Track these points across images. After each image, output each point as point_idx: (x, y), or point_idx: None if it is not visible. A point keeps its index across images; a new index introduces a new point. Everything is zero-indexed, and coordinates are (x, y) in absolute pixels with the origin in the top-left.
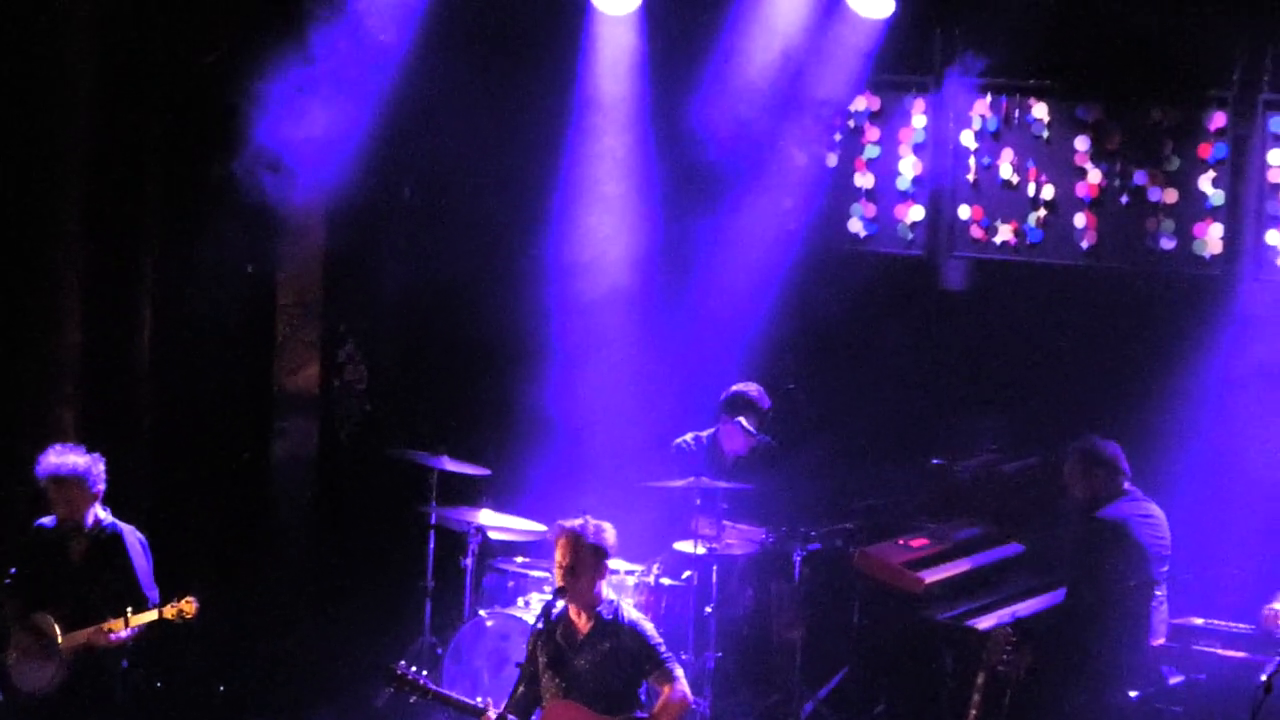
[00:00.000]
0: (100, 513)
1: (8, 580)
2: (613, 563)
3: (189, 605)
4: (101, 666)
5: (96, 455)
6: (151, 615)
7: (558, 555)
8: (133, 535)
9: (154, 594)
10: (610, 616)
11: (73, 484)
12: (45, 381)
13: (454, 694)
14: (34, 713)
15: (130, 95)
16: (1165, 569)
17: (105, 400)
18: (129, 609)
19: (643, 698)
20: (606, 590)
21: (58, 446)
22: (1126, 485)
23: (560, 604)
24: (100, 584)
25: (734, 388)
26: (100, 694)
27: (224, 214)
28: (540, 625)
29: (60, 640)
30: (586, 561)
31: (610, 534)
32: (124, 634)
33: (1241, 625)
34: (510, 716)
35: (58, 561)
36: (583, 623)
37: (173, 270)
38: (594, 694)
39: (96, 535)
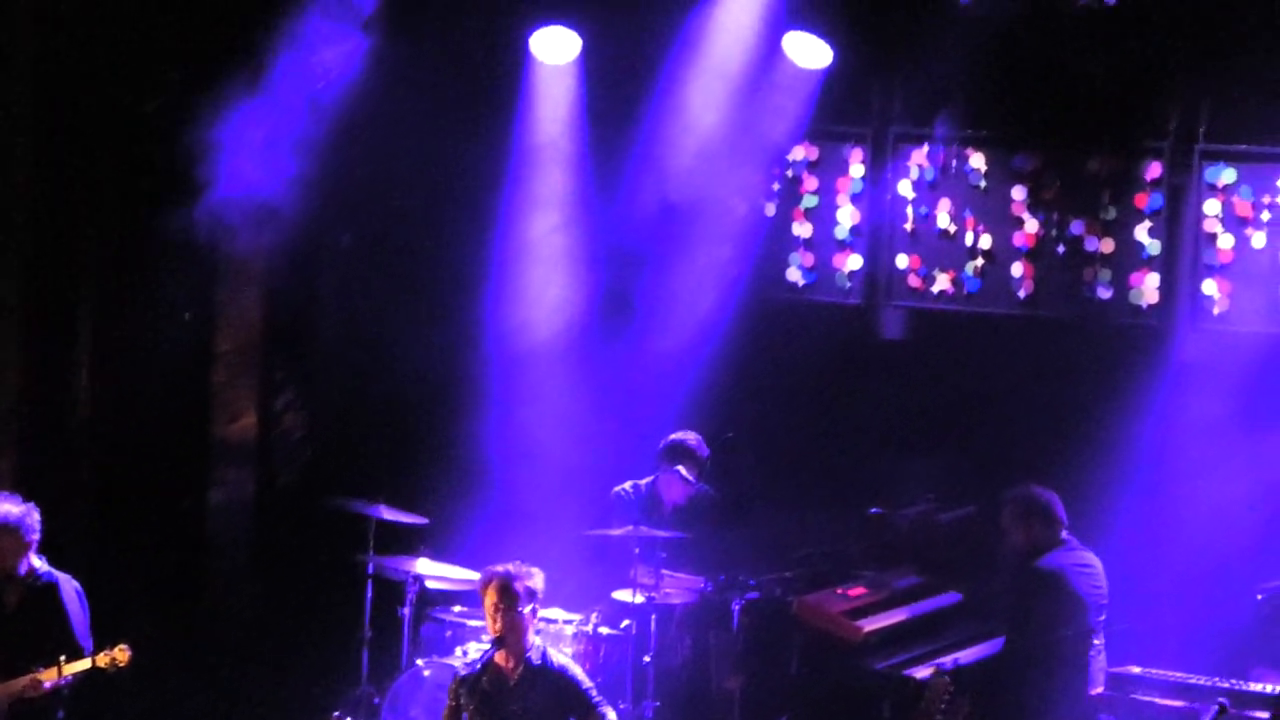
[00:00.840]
0: (35, 562)
1: None
2: (552, 611)
3: (122, 654)
4: (37, 717)
5: (31, 505)
6: (85, 664)
7: (488, 600)
8: (69, 584)
9: (89, 643)
10: (539, 662)
11: (6, 533)
12: None
13: None
14: None
15: (69, 142)
16: (1103, 618)
17: (43, 448)
18: (62, 658)
19: None
20: (533, 636)
21: None
22: (1064, 534)
23: (475, 651)
24: (34, 634)
25: (672, 436)
26: None
27: (163, 261)
28: (463, 673)
29: None
30: (516, 605)
31: (539, 579)
32: (58, 683)
33: (1179, 674)
34: None
35: None
36: (511, 668)
37: (111, 318)
38: None
39: (31, 584)
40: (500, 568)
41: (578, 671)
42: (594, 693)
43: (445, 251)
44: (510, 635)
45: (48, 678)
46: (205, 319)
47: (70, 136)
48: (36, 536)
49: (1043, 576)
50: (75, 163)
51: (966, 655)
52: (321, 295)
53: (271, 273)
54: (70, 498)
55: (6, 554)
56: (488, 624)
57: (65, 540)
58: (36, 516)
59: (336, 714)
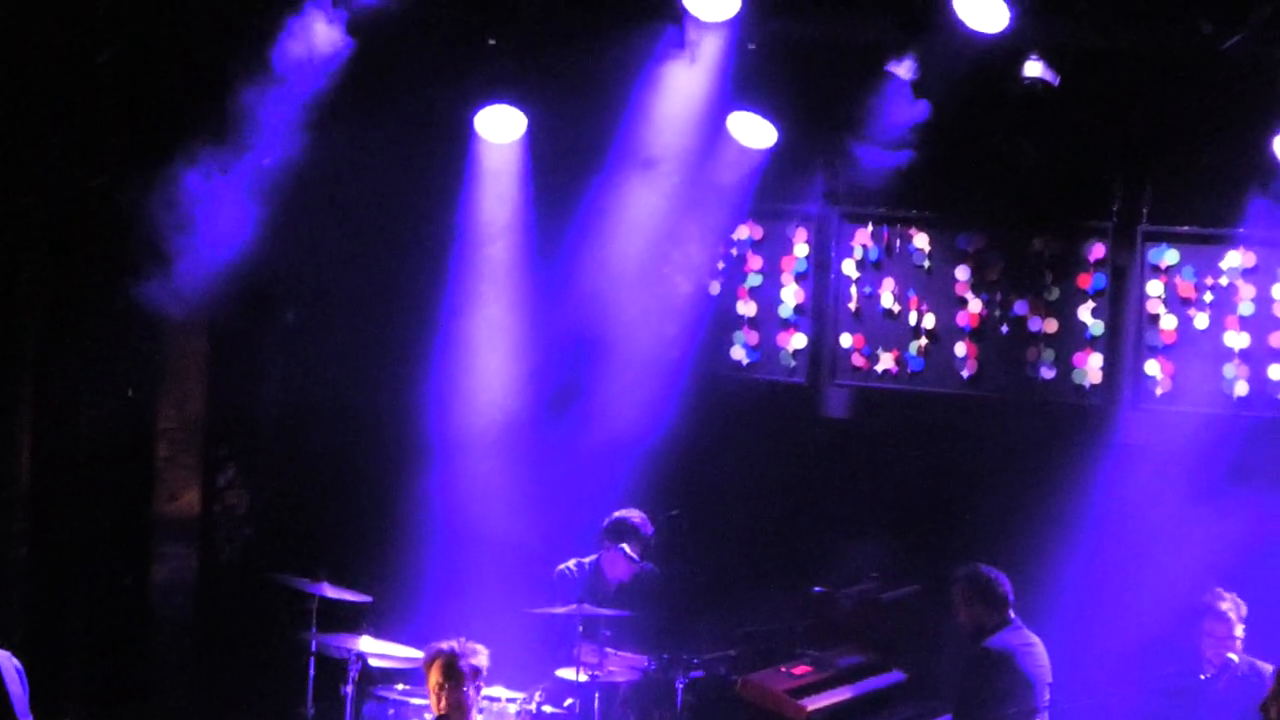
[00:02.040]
0: None
1: None
2: (495, 690)
3: None
4: None
5: None
6: None
7: (433, 678)
8: (9, 661)
9: None
10: None
11: None
12: None
13: None
14: None
15: (10, 216)
16: (1047, 697)
17: None
18: None
19: None
20: (476, 715)
21: None
22: (1010, 614)
23: None
24: None
25: (616, 514)
26: None
27: (105, 335)
28: None
29: None
30: (460, 682)
31: (484, 656)
32: None
33: None
34: None
35: None
36: None
37: (52, 392)
38: None
39: None
40: (445, 645)
41: None
42: None
43: (390, 325)
44: (455, 714)
45: None
46: (148, 395)
47: (11, 211)
48: None
49: (990, 656)
50: (15, 236)
51: None
52: (265, 372)
53: (215, 348)
54: (8, 575)
55: None
56: (430, 702)
57: (2, 617)
58: None
59: None
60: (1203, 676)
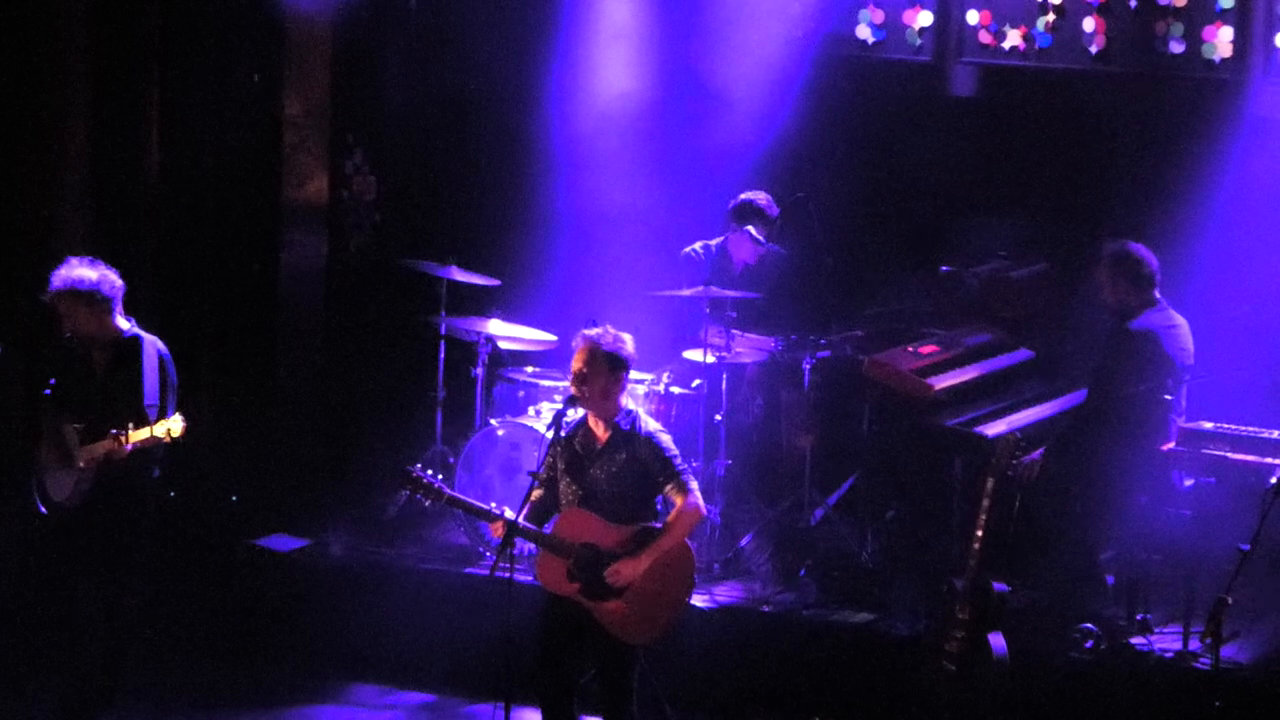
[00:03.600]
0: (122, 323)
1: (47, 391)
2: None
3: (176, 424)
4: (131, 476)
5: (107, 268)
6: (145, 433)
7: (574, 363)
8: (152, 346)
9: (168, 408)
10: (628, 427)
11: (82, 298)
12: (55, 195)
13: (467, 498)
14: (68, 522)
15: None
16: (1186, 377)
17: (114, 215)
18: (129, 425)
19: (659, 507)
20: (627, 401)
21: (71, 260)
22: (1155, 294)
23: (574, 413)
24: (120, 394)
25: (742, 196)
26: (132, 503)
27: (229, 24)
28: (561, 434)
29: (78, 452)
30: (601, 371)
31: (629, 345)
32: (137, 445)
33: (1251, 429)
34: (523, 521)
35: (82, 372)
36: (601, 432)
37: (179, 81)
38: (609, 503)
39: (116, 345)
40: (591, 332)
41: (666, 439)
42: (678, 460)
43: (513, 13)
44: (599, 400)
45: (131, 439)
46: (273, 82)
47: None
48: (117, 298)
49: (1136, 337)
50: None
51: (1037, 413)
52: (389, 57)
53: (339, 34)
54: (141, 264)
55: (87, 318)
56: (574, 387)
57: (135, 306)
58: (114, 279)
59: (414, 467)
60: None
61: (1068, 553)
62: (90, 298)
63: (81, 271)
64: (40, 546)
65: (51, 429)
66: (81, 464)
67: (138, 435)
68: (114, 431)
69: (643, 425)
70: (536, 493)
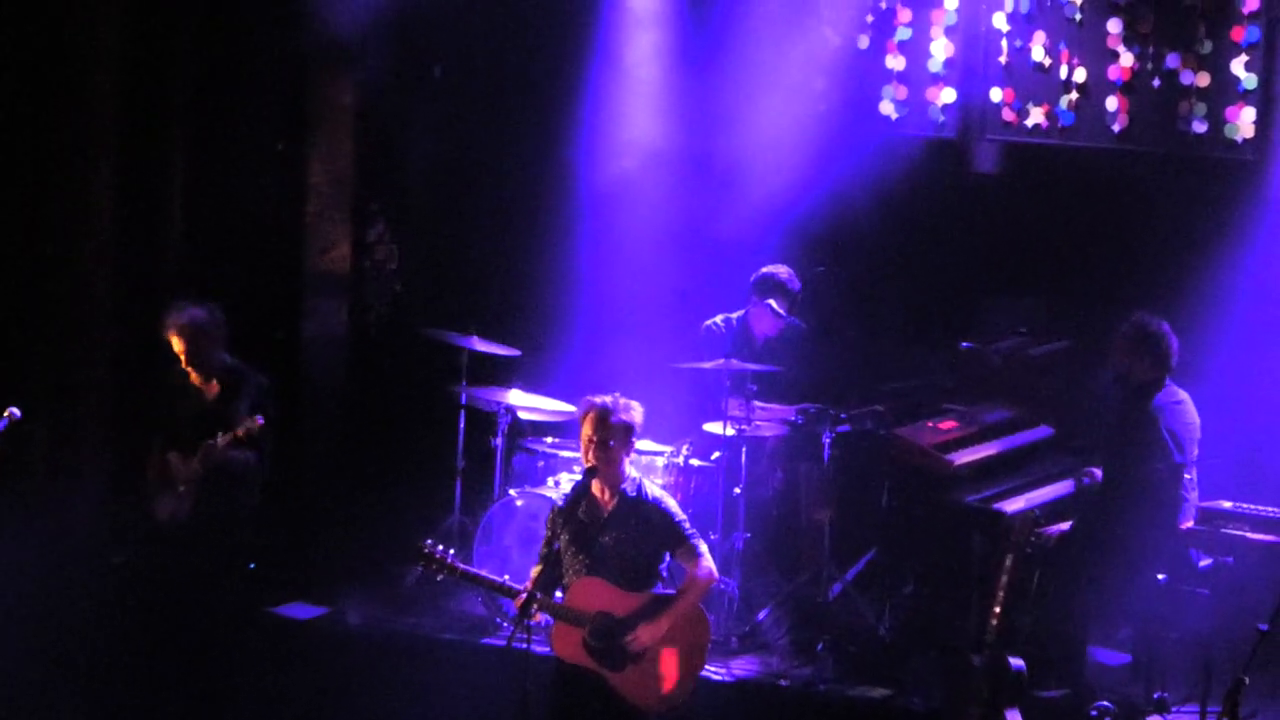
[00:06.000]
0: (226, 358)
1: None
2: (642, 444)
3: (254, 423)
4: (228, 494)
5: (214, 305)
6: (230, 435)
7: (586, 431)
8: (253, 377)
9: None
10: (634, 494)
11: (201, 332)
12: (79, 261)
13: (481, 572)
14: (170, 540)
15: None
16: (1196, 453)
17: (137, 281)
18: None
19: (664, 573)
20: (629, 468)
21: (180, 303)
22: (1165, 377)
23: (567, 483)
24: (229, 418)
25: (764, 269)
26: (227, 523)
27: (255, 93)
28: (561, 504)
29: (180, 476)
30: (618, 437)
31: (638, 411)
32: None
33: (1271, 509)
34: (540, 594)
35: (195, 403)
36: (607, 499)
37: (203, 148)
38: (618, 570)
39: (224, 377)
40: (600, 399)
41: (671, 504)
42: (687, 525)
43: (538, 82)
44: (607, 468)
45: (223, 441)
46: (298, 150)
47: None
48: (225, 333)
49: (1145, 413)
50: None
51: (1058, 489)
52: (413, 126)
53: (364, 103)
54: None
55: (204, 350)
56: (583, 455)
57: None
58: (220, 315)
59: (427, 542)
60: None
61: (1057, 619)
62: (206, 330)
63: (193, 311)
64: (149, 565)
65: (160, 456)
66: (182, 487)
67: (225, 439)
68: (209, 442)
69: (648, 491)
70: (541, 567)
